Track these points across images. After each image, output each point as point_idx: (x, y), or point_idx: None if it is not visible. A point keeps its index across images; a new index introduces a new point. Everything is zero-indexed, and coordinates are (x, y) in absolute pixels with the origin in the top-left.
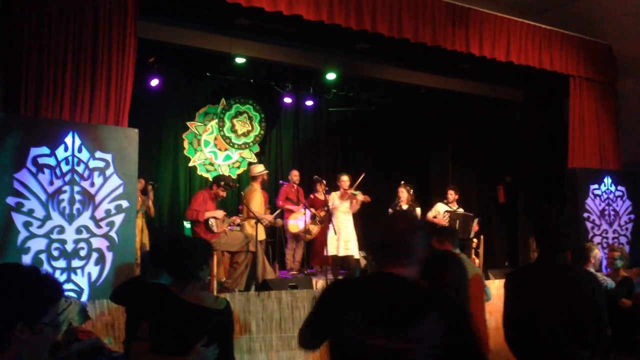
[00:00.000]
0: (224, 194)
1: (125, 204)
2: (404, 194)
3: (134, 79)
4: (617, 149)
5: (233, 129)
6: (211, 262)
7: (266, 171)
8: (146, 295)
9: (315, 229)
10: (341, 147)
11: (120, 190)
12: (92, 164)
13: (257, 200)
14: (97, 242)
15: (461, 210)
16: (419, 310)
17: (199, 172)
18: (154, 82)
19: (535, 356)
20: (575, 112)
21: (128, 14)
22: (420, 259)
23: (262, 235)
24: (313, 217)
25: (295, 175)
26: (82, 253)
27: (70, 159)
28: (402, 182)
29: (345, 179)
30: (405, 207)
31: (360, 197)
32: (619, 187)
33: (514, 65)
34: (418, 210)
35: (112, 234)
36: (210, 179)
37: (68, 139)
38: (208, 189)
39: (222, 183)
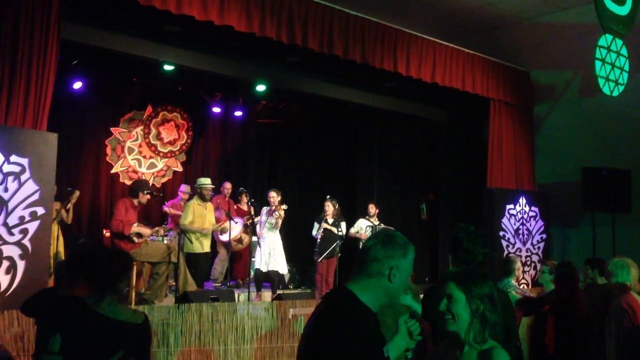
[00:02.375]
0: (144, 200)
1: (40, 210)
2: (329, 207)
3: (55, 81)
4: (532, 171)
5: (159, 137)
6: (130, 273)
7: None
8: (59, 308)
9: (247, 239)
10: (269, 159)
11: (36, 197)
12: (7, 168)
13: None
14: (8, 250)
15: (382, 225)
16: None
17: (121, 180)
18: (77, 85)
19: None
20: (494, 134)
21: (52, 14)
22: None
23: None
24: (246, 226)
25: (227, 187)
26: None
27: None
28: (328, 196)
29: (274, 195)
30: (330, 221)
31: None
32: (533, 208)
33: (438, 86)
34: (343, 225)
35: (25, 241)
36: None
37: None
38: (129, 197)
39: (145, 190)
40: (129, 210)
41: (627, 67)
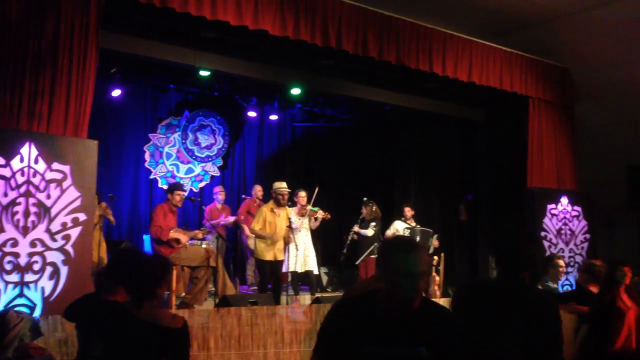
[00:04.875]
0: (179, 199)
1: (82, 216)
2: (364, 210)
3: (94, 89)
4: (573, 170)
5: (196, 142)
6: (169, 278)
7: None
8: (100, 313)
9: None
10: (305, 163)
11: (77, 203)
12: (49, 175)
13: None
14: (51, 256)
15: (419, 227)
16: None
17: (160, 185)
18: (116, 93)
19: None
20: (534, 133)
21: (90, 23)
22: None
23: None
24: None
25: (258, 190)
26: (36, 267)
27: (25, 170)
28: (365, 198)
29: (302, 195)
30: (365, 223)
31: (320, 214)
32: (575, 207)
33: (476, 86)
34: (372, 225)
35: (68, 247)
36: None
37: (24, 150)
38: (166, 202)
39: (176, 191)
40: (167, 215)
41: None
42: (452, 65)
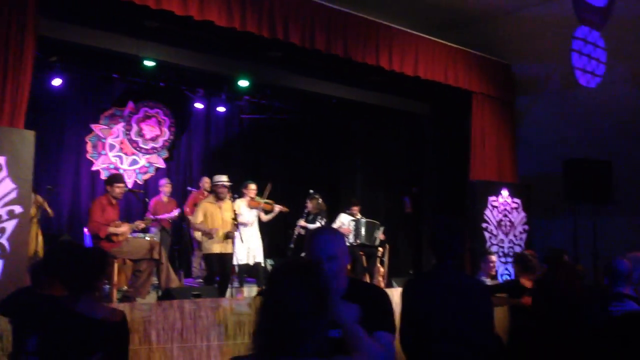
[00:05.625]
0: (119, 192)
1: (18, 209)
2: (309, 204)
3: (32, 78)
4: (514, 163)
5: (141, 133)
6: (108, 271)
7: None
8: (35, 307)
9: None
10: (253, 155)
11: (13, 195)
12: None
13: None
14: None
15: (365, 219)
16: None
17: (102, 177)
18: (57, 82)
19: None
20: (476, 127)
21: (28, 10)
22: None
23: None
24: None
25: (206, 182)
26: None
27: None
28: (311, 191)
29: (253, 187)
30: (311, 217)
31: (277, 208)
32: (515, 199)
33: (421, 80)
34: (322, 221)
35: (3, 240)
36: None
37: None
38: (105, 195)
39: (115, 183)
40: (106, 209)
41: (603, 59)
42: (398, 59)
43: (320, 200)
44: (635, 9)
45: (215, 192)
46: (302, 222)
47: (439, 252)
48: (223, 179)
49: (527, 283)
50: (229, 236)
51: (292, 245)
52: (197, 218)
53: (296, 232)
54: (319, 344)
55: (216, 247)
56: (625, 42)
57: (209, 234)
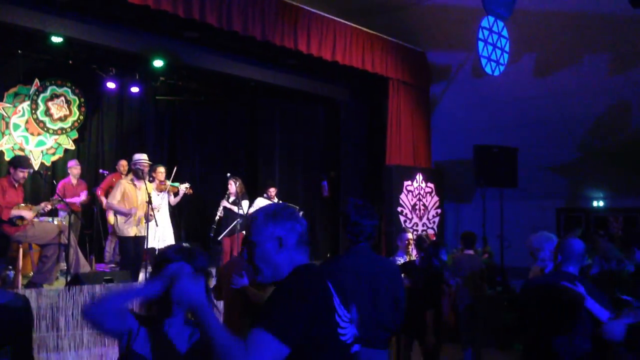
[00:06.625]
0: (22, 177)
1: None
2: (232, 186)
3: None
4: (428, 149)
5: (48, 113)
6: (9, 256)
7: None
8: None
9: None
10: (169, 137)
11: None
12: None
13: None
14: None
15: (281, 203)
16: None
17: (6, 158)
18: None
19: None
20: (393, 113)
21: None
22: None
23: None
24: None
25: (123, 164)
26: None
27: None
28: (229, 174)
29: (161, 171)
30: (232, 199)
31: (183, 188)
32: (429, 184)
33: (339, 65)
34: (245, 204)
35: None
36: None
37: None
38: (7, 176)
39: (19, 167)
40: (8, 190)
41: (507, 48)
42: (316, 43)
43: (239, 182)
44: (540, 2)
45: (135, 172)
46: (225, 204)
47: (351, 234)
48: (143, 157)
49: None
50: (148, 219)
51: (214, 226)
52: (115, 198)
53: (218, 214)
54: None
55: (132, 230)
56: (531, 34)
57: (126, 215)
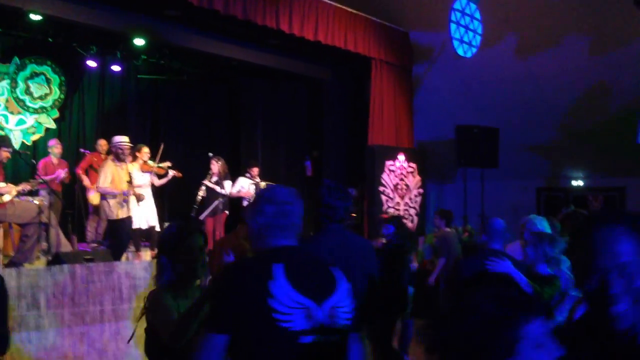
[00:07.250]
0: (5, 156)
1: None
2: (214, 166)
3: None
4: (410, 129)
5: (28, 91)
6: None
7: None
8: None
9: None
10: (151, 117)
11: None
12: None
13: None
14: None
15: (264, 183)
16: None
17: None
18: None
19: None
20: (375, 93)
21: None
22: None
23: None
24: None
25: (103, 144)
26: None
27: None
28: (210, 154)
29: (145, 151)
30: (214, 179)
31: (172, 172)
32: (411, 164)
33: (321, 44)
34: (227, 184)
35: None
36: None
37: None
38: None
39: (2, 144)
40: None
41: (480, 30)
42: (298, 23)
43: (221, 162)
44: None
45: (116, 154)
46: (208, 183)
47: (324, 216)
48: (124, 139)
49: None
50: (139, 199)
51: (196, 206)
52: (106, 180)
53: (200, 194)
54: None
55: (122, 212)
56: (512, 16)
57: (119, 197)
